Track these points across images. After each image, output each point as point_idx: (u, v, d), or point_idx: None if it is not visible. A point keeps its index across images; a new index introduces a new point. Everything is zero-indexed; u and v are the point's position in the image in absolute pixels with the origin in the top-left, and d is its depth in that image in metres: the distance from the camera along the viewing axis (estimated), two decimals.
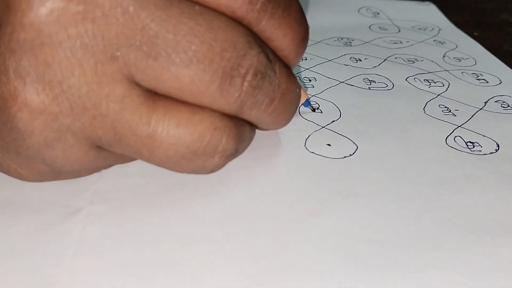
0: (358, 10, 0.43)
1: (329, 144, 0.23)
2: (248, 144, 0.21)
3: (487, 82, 0.30)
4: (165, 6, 0.15)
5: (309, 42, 0.35)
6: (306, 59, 0.32)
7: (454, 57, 0.34)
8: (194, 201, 0.19)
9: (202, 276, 0.16)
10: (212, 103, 0.17)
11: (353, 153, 0.22)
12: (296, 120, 0.24)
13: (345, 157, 0.22)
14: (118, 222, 0.18)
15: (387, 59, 0.33)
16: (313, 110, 0.26)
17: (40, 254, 0.17)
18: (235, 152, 0.19)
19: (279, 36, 0.18)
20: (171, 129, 0.17)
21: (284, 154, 0.22)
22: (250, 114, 0.18)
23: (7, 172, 0.19)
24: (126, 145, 0.17)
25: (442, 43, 0.36)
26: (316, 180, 0.20)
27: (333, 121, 0.25)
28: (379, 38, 0.37)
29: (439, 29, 0.39)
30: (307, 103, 0.25)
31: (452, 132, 0.24)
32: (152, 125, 0.17)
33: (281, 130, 0.24)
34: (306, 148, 0.22)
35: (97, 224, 0.18)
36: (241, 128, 0.19)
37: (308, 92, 0.27)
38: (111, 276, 0.16)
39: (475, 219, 0.19)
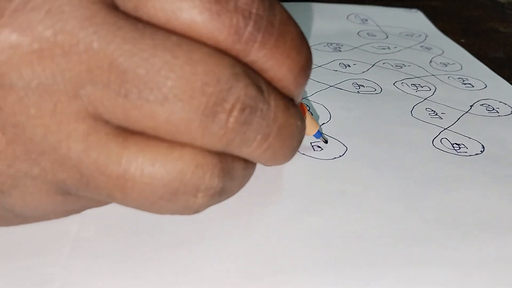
0: (347, 17, 0.43)
1: (319, 146, 0.23)
2: (243, 182, 0.18)
3: (473, 86, 0.31)
4: (134, 39, 0.14)
5: None
6: None
7: (440, 62, 0.34)
8: None
9: (197, 274, 0.16)
10: (193, 142, 0.15)
11: (343, 154, 0.23)
12: None
13: (335, 158, 0.22)
14: (113, 222, 0.18)
15: (376, 64, 0.34)
16: (325, 141, 0.24)
17: (37, 254, 0.17)
18: (222, 191, 0.16)
19: (273, 66, 0.16)
20: (146, 168, 0.15)
21: None
22: (241, 152, 0.16)
23: None
24: (95, 187, 0.15)
25: (429, 49, 0.37)
26: (307, 180, 0.21)
27: (323, 123, 0.25)
28: (368, 44, 0.38)
29: (426, 36, 0.40)
30: (319, 134, 0.23)
31: (439, 134, 0.25)
32: (123, 164, 0.15)
33: None
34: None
35: (92, 224, 0.18)
36: (230, 165, 0.16)
37: None
38: (106, 275, 0.16)
39: (461, 217, 0.19)
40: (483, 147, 0.24)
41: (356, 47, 0.37)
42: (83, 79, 0.14)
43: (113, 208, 0.19)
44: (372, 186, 0.21)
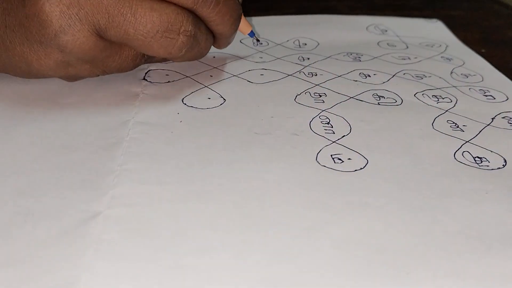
0: (367, 28, 0.43)
1: (339, 159, 0.23)
2: (208, 40, 0.29)
3: (494, 99, 0.31)
4: None
5: (319, 57, 0.36)
6: (316, 75, 0.33)
7: (461, 74, 0.34)
8: (209, 209, 0.20)
9: (218, 281, 0.17)
10: None
11: (364, 167, 0.23)
12: (307, 134, 0.25)
13: (356, 170, 0.23)
14: (135, 226, 0.19)
15: (396, 74, 0.34)
16: (258, 40, 0.36)
17: (61, 256, 0.17)
18: (195, 37, 0.27)
19: None
20: (147, 11, 0.25)
21: (296, 168, 0.23)
22: (203, 11, 0.27)
23: (30, 65, 0.25)
24: (116, 25, 0.24)
25: (450, 59, 0.37)
26: (329, 192, 0.21)
27: (344, 136, 0.25)
28: (388, 54, 0.38)
29: (447, 46, 0.40)
30: (252, 34, 0.33)
31: (460, 147, 0.25)
32: (134, 8, 0.24)
33: (292, 145, 0.24)
34: (318, 162, 0.23)
35: (115, 228, 0.19)
36: (198, 21, 0.27)
37: (318, 108, 0.28)
38: (128, 277, 0.17)
39: (484, 231, 0.19)
40: (505, 161, 0.24)
41: (376, 57, 0.37)
42: None
43: (135, 212, 0.19)
44: (394, 199, 0.21)
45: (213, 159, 0.23)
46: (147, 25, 0.25)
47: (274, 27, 0.42)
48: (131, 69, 0.28)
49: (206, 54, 0.30)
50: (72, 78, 0.28)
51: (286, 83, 0.31)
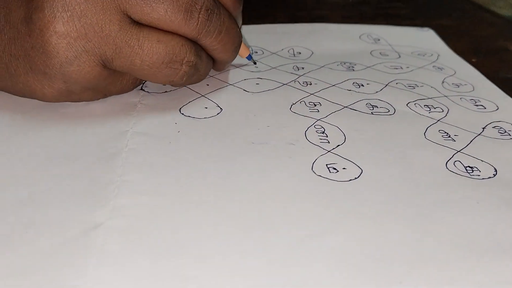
0: (360, 37, 0.44)
1: (334, 168, 0.24)
2: (208, 67, 0.30)
3: (485, 108, 0.31)
4: None
5: (313, 67, 0.36)
6: (311, 84, 0.33)
7: (452, 83, 0.35)
8: (208, 220, 0.20)
9: None
10: (179, 30, 0.26)
11: (358, 176, 0.23)
12: (303, 144, 0.26)
13: (350, 180, 0.23)
14: (136, 237, 0.19)
15: (389, 84, 0.34)
16: (254, 63, 0.36)
17: (64, 266, 0.18)
18: (196, 66, 0.28)
19: None
20: (154, 43, 0.25)
21: (292, 178, 0.23)
22: (206, 41, 0.27)
23: (33, 93, 0.26)
24: (123, 56, 0.25)
25: (441, 69, 0.38)
26: (324, 202, 0.21)
27: (338, 145, 0.26)
28: (380, 63, 0.38)
29: (438, 55, 0.41)
30: (250, 57, 0.35)
31: (452, 157, 0.25)
32: (141, 40, 0.25)
33: (288, 154, 0.25)
34: (313, 171, 0.24)
35: (117, 238, 0.19)
36: (200, 50, 0.28)
37: (313, 117, 0.29)
38: (130, 287, 0.17)
39: (476, 240, 0.20)
40: (496, 170, 0.24)
41: (369, 67, 0.37)
42: None
43: (136, 223, 0.20)
44: (387, 208, 0.21)
45: (210, 169, 0.23)
46: (153, 56, 0.25)
47: (268, 36, 0.43)
48: (131, 91, 0.30)
49: (204, 78, 0.31)
50: (73, 101, 0.28)
51: (282, 92, 0.32)
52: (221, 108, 0.29)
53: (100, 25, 0.24)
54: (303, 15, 0.52)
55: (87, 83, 0.26)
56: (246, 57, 0.35)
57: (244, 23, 0.44)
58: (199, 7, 0.26)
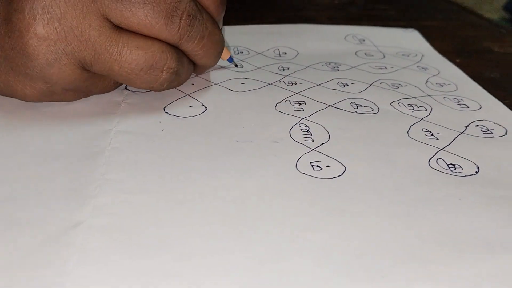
0: (345, 38, 0.44)
1: (318, 166, 0.24)
2: (188, 72, 0.29)
3: (468, 107, 0.32)
4: None
5: (299, 67, 0.37)
6: (296, 84, 0.33)
7: (436, 83, 0.35)
8: (192, 218, 0.20)
9: (201, 286, 0.17)
10: (160, 35, 0.25)
11: (342, 174, 0.23)
12: (287, 142, 0.26)
13: (334, 177, 0.23)
14: (118, 235, 0.19)
15: (373, 84, 0.34)
16: (236, 65, 0.36)
17: (45, 264, 0.18)
18: (177, 72, 0.27)
19: None
20: (133, 49, 0.25)
21: (276, 175, 0.23)
22: (187, 46, 0.27)
23: (14, 93, 0.26)
24: (102, 61, 0.25)
25: (425, 69, 0.38)
26: (308, 199, 0.22)
27: (322, 143, 0.26)
28: (365, 63, 0.38)
29: (422, 55, 0.41)
30: (231, 59, 0.35)
31: (435, 154, 0.26)
32: (120, 46, 0.25)
33: (273, 152, 0.25)
34: (297, 169, 0.24)
35: (98, 236, 0.19)
36: (181, 56, 0.27)
37: (298, 115, 0.29)
38: (112, 285, 0.17)
39: (457, 236, 0.20)
40: (478, 168, 0.25)
41: (354, 67, 0.38)
42: None
43: (118, 221, 0.19)
44: (370, 205, 0.21)
45: (195, 167, 0.23)
46: (132, 63, 0.25)
47: (254, 36, 0.43)
48: (113, 90, 0.30)
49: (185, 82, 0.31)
50: (55, 101, 0.28)
51: (266, 91, 0.32)
52: (205, 107, 0.29)
53: (79, 29, 0.24)
54: (290, 16, 0.52)
55: (68, 85, 0.26)
56: (227, 60, 0.34)
57: (232, 23, 0.44)
58: (181, 12, 0.25)
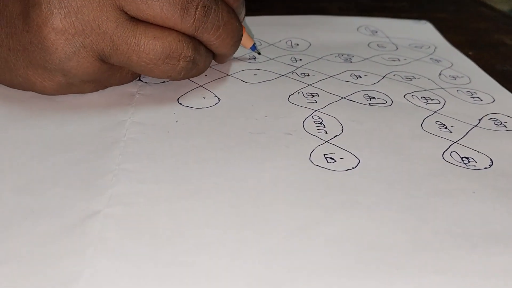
0: (357, 29, 0.44)
1: (332, 158, 0.24)
2: (207, 61, 0.29)
3: (481, 100, 0.31)
4: None
5: (311, 58, 0.37)
6: (309, 75, 0.33)
7: (449, 75, 0.35)
8: (206, 208, 0.20)
9: (215, 277, 0.17)
10: (176, 26, 0.26)
11: (356, 166, 0.23)
12: (300, 134, 0.26)
13: (348, 170, 0.23)
14: (134, 224, 0.19)
15: (386, 76, 0.34)
16: (259, 53, 0.36)
17: (62, 253, 0.18)
18: (194, 61, 0.27)
19: None
20: (150, 40, 0.25)
21: (290, 167, 0.23)
22: (203, 37, 0.27)
23: (34, 86, 0.26)
24: (120, 53, 0.25)
25: (438, 61, 0.38)
26: (321, 191, 0.22)
27: (336, 135, 0.26)
28: (378, 55, 0.38)
29: (435, 47, 0.41)
30: (254, 47, 0.34)
31: (449, 147, 0.26)
32: (137, 37, 0.25)
33: (286, 144, 0.25)
34: (311, 161, 0.24)
35: (114, 226, 0.19)
36: (198, 45, 0.28)
37: (311, 107, 0.29)
38: (128, 274, 0.17)
39: (470, 229, 0.20)
40: (492, 161, 0.25)
41: (367, 58, 0.37)
42: None
43: (133, 211, 0.20)
44: (384, 198, 0.21)
45: (208, 158, 0.24)
46: (150, 53, 0.25)
47: (266, 27, 0.43)
48: (131, 82, 0.30)
49: (205, 71, 0.31)
50: (73, 93, 0.28)
51: (279, 83, 0.32)
52: (219, 98, 0.29)
53: (97, 22, 0.24)
54: (301, 7, 0.52)
55: (86, 77, 0.26)
56: (251, 48, 0.34)
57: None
58: (196, 3, 0.26)
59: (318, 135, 0.26)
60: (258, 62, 0.35)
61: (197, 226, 0.19)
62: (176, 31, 0.26)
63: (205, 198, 0.21)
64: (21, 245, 0.18)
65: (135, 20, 0.25)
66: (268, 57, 0.36)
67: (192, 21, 0.26)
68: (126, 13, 0.25)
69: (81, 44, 0.24)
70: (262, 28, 0.42)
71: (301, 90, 0.31)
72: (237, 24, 0.29)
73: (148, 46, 0.25)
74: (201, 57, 0.28)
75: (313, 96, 0.30)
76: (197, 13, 0.26)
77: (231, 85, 0.31)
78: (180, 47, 0.26)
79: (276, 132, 0.26)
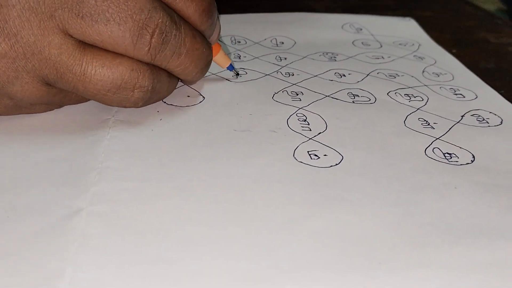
0: (342, 26, 0.44)
1: (316, 155, 0.24)
2: (170, 87, 0.27)
3: (464, 97, 0.32)
4: None
5: (296, 57, 0.37)
6: (293, 75, 0.33)
7: (433, 73, 0.35)
8: (191, 205, 0.20)
9: (201, 274, 0.17)
10: (128, 53, 0.23)
11: (339, 163, 0.24)
12: (285, 131, 0.26)
13: (331, 166, 0.23)
14: (118, 222, 0.19)
15: (370, 74, 0.35)
16: (237, 74, 0.32)
17: (45, 251, 0.18)
18: (153, 90, 0.25)
19: (182, 7, 0.24)
20: (98, 69, 0.23)
21: (274, 164, 0.23)
22: (162, 65, 0.25)
23: None
24: (65, 81, 0.23)
25: (422, 58, 0.38)
26: (306, 187, 0.22)
27: (320, 133, 0.26)
28: (362, 53, 0.39)
29: (419, 45, 0.41)
30: (231, 67, 0.31)
31: (431, 144, 0.26)
32: (83, 65, 0.23)
33: (270, 141, 0.25)
34: (295, 158, 0.24)
35: (98, 223, 0.19)
36: (157, 72, 0.25)
37: (295, 105, 0.29)
38: (112, 270, 0.17)
39: (453, 223, 0.20)
40: (474, 157, 0.25)
41: (351, 57, 0.38)
42: (56, 4, 0.22)
43: (117, 209, 0.20)
44: (368, 193, 0.22)
45: (193, 156, 0.24)
46: (97, 83, 0.23)
47: (251, 25, 0.43)
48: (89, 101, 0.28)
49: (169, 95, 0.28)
50: (25, 113, 0.26)
51: (264, 82, 0.32)
52: (203, 97, 0.29)
53: (38, 46, 0.22)
54: (287, 5, 0.52)
55: (34, 101, 0.24)
56: (227, 68, 0.31)
57: (228, 12, 0.44)
58: (152, 29, 0.23)
59: (302, 132, 0.26)
60: (243, 61, 0.35)
61: (181, 223, 0.19)
62: (131, 58, 0.24)
63: (190, 195, 0.21)
64: (4, 242, 0.18)
65: (84, 44, 0.23)
66: (253, 56, 0.36)
67: (147, 48, 0.23)
68: (72, 37, 0.23)
69: (23, 69, 0.22)
70: (247, 26, 0.42)
71: (285, 89, 0.31)
72: (204, 49, 0.26)
73: (95, 77, 0.23)
74: (163, 84, 0.26)
75: (297, 94, 0.30)
76: (153, 40, 0.23)
77: (215, 83, 0.31)
78: (134, 77, 0.24)
79: (261, 130, 0.26)
